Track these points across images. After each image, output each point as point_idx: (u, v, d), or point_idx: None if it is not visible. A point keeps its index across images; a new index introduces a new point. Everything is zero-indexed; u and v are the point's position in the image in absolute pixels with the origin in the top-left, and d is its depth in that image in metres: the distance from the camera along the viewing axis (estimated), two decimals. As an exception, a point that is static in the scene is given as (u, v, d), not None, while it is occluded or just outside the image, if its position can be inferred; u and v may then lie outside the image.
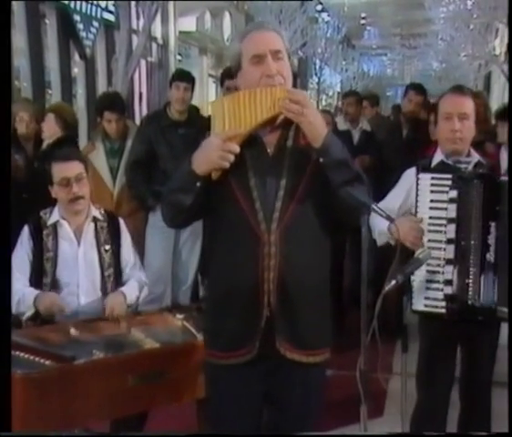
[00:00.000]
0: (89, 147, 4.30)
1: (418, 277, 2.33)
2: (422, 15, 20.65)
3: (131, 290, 2.70)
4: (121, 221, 2.82)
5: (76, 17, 10.56)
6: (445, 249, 2.33)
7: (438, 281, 2.33)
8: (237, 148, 1.74)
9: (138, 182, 4.03)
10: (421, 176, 2.39)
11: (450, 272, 2.31)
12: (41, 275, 2.61)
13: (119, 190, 4.10)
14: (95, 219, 2.71)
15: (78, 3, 10.52)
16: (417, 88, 4.76)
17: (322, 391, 1.98)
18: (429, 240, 2.33)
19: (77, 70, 11.39)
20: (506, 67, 12.79)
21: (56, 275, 2.61)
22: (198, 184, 1.77)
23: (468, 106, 2.38)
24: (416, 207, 2.38)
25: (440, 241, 2.33)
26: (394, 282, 1.91)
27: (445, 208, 2.34)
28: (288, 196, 1.79)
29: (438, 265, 2.33)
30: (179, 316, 2.58)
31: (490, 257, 2.30)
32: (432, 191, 2.36)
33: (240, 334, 1.82)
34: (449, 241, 2.32)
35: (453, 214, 2.32)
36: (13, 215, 1.78)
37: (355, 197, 1.77)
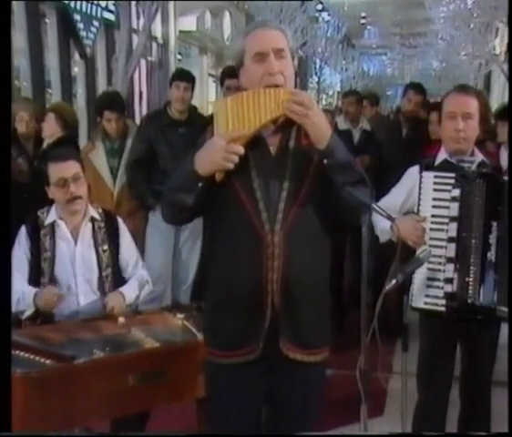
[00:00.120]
0: (89, 146, 4.30)
1: (419, 274, 2.33)
2: (422, 15, 20.66)
3: (130, 290, 2.69)
4: (120, 221, 2.81)
5: (77, 17, 10.57)
6: (446, 248, 2.33)
7: (439, 279, 2.33)
8: (241, 150, 1.74)
9: (138, 181, 4.03)
10: (424, 174, 2.39)
11: (451, 270, 2.32)
12: (39, 275, 2.60)
13: (119, 190, 4.10)
14: (92, 219, 2.70)
15: (78, 2, 10.54)
16: (416, 88, 4.76)
17: (323, 390, 1.98)
18: (431, 238, 2.34)
19: (77, 69, 11.40)
20: (506, 67, 12.79)
21: (53, 275, 2.60)
22: (200, 184, 1.76)
23: (472, 105, 2.38)
24: (419, 204, 2.39)
25: (442, 239, 2.34)
26: (394, 282, 1.91)
27: (448, 207, 2.34)
28: (291, 197, 1.79)
29: (439, 263, 2.33)
30: (180, 315, 2.58)
31: (491, 256, 2.30)
32: (435, 189, 2.36)
33: (243, 334, 1.82)
34: (451, 240, 2.33)
35: (455, 213, 2.33)
36: (13, 215, 1.78)
37: (357, 197, 1.77)
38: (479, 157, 2.44)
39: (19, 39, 9.16)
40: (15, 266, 2.51)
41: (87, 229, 2.68)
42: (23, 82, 9.45)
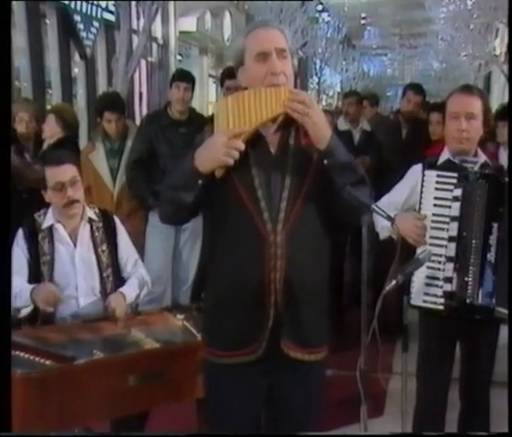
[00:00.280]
0: (89, 147, 4.30)
1: (419, 272, 2.32)
2: (422, 15, 20.67)
3: (131, 289, 2.69)
4: (117, 220, 2.80)
5: (77, 17, 10.58)
6: (446, 247, 2.33)
7: (438, 278, 2.34)
8: (242, 146, 1.74)
9: (138, 181, 4.02)
10: (427, 172, 2.39)
11: (450, 270, 2.32)
12: (38, 278, 2.58)
13: (119, 190, 4.10)
14: (90, 220, 2.69)
15: (79, 3, 10.55)
16: (416, 88, 4.76)
17: (322, 389, 1.98)
18: (431, 237, 2.34)
19: (78, 70, 11.41)
20: (506, 67, 12.81)
21: (53, 278, 2.59)
22: (200, 182, 1.76)
23: (476, 106, 2.38)
24: (420, 203, 2.39)
25: (442, 239, 2.34)
26: (394, 282, 1.91)
27: (449, 206, 2.34)
28: (292, 196, 1.79)
29: (439, 262, 2.33)
30: (180, 316, 2.58)
31: (491, 257, 2.30)
32: (437, 188, 2.37)
33: (246, 334, 1.82)
34: (451, 239, 2.33)
35: (456, 212, 2.33)
36: (14, 215, 1.78)
37: (357, 198, 1.78)
38: (482, 157, 2.44)
39: (19, 39, 9.16)
40: (14, 269, 2.49)
41: (85, 231, 2.67)
42: (23, 82, 9.46)
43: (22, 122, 4.05)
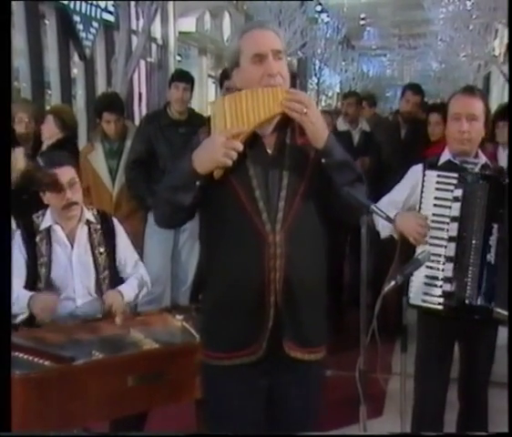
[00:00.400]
0: (88, 147, 4.30)
1: (418, 272, 2.33)
2: (421, 16, 20.67)
3: (129, 289, 2.69)
4: (116, 221, 2.80)
5: (76, 18, 10.58)
6: (446, 247, 2.34)
7: (437, 278, 2.34)
8: (240, 146, 1.74)
9: (137, 182, 4.02)
10: (427, 172, 2.40)
11: (450, 270, 2.32)
12: (35, 280, 2.58)
13: (118, 191, 4.10)
14: (88, 222, 2.68)
15: (78, 3, 10.54)
16: (415, 88, 4.77)
17: (321, 389, 1.99)
18: (431, 237, 2.35)
19: (77, 71, 11.41)
20: (505, 68, 12.81)
21: (50, 280, 2.59)
22: (198, 183, 1.76)
23: (478, 107, 2.38)
24: (421, 202, 2.39)
25: (442, 239, 2.35)
26: (393, 283, 1.92)
27: (449, 207, 2.35)
28: (290, 195, 1.79)
29: (438, 262, 2.33)
30: (179, 316, 2.58)
31: (490, 258, 2.30)
32: (437, 188, 2.37)
33: (246, 335, 1.82)
34: (451, 239, 2.33)
35: (456, 213, 2.33)
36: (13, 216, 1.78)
37: (357, 198, 1.78)
38: (483, 159, 2.45)
39: (18, 40, 9.16)
40: (13, 271, 2.49)
41: (83, 233, 2.67)
42: (22, 83, 9.45)
43: (21, 123, 4.05)
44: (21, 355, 2.16)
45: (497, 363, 2.66)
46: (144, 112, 13.12)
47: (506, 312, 2.26)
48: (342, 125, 4.99)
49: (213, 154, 1.73)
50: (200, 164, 1.75)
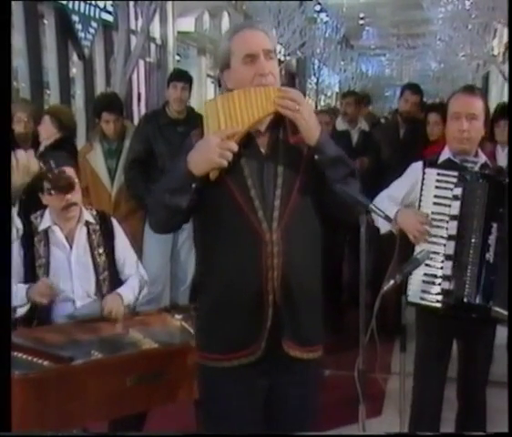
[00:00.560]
0: (87, 147, 4.30)
1: (417, 269, 2.33)
2: (420, 16, 20.66)
3: (128, 291, 2.68)
4: (115, 222, 2.79)
5: (75, 18, 10.56)
6: (445, 245, 2.34)
7: (436, 276, 2.34)
8: (236, 147, 1.74)
9: (136, 181, 4.02)
10: (427, 170, 2.40)
11: (449, 268, 2.33)
12: (34, 281, 2.57)
13: (117, 191, 4.10)
14: (87, 223, 2.68)
15: (77, 3, 10.53)
16: (413, 88, 4.77)
17: (319, 387, 1.98)
18: (430, 235, 2.35)
19: (76, 70, 11.39)
20: (504, 68, 12.82)
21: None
22: (193, 185, 1.76)
23: (477, 106, 2.39)
24: (420, 200, 2.40)
25: (441, 237, 2.35)
26: (392, 282, 1.92)
27: (449, 205, 2.35)
28: (286, 193, 1.79)
29: (437, 260, 2.33)
30: (178, 316, 2.58)
31: (489, 257, 2.30)
32: (437, 187, 2.37)
33: (245, 335, 1.81)
34: (450, 238, 2.34)
35: (456, 211, 2.34)
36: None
37: (355, 196, 1.78)
38: (482, 158, 2.45)
39: (17, 40, 9.15)
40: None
41: (82, 234, 2.66)
42: (21, 83, 9.44)
43: (20, 122, 4.05)
44: (20, 355, 2.16)
45: (497, 363, 2.66)
46: (143, 112, 13.10)
47: (504, 311, 2.26)
48: (341, 124, 5.00)
49: (209, 155, 1.73)
50: (196, 166, 1.75)
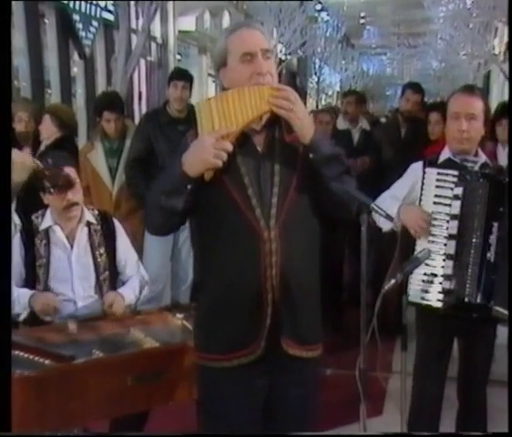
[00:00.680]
0: (88, 146, 4.30)
1: (417, 269, 2.33)
2: (421, 15, 20.66)
3: (129, 291, 2.68)
4: (116, 222, 2.79)
5: (76, 17, 10.57)
6: (445, 245, 2.34)
7: (437, 275, 2.34)
8: (230, 146, 1.73)
9: (137, 180, 4.02)
10: (428, 170, 2.40)
11: (449, 267, 2.32)
12: (34, 281, 2.57)
13: (118, 190, 4.10)
14: (88, 223, 2.67)
15: (78, 2, 10.53)
16: (415, 87, 4.77)
17: (319, 386, 1.98)
18: (431, 234, 2.35)
19: (77, 70, 11.40)
20: (505, 67, 12.80)
21: (48, 282, 2.58)
22: (189, 186, 1.75)
23: (477, 106, 2.38)
24: (420, 200, 2.40)
25: (441, 236, 2.35)
26: (393, 281, 1.92)
27: (449, 205, 2.35)
28: (283, 191, 1.79)
29: (438, 259, 2.33)
30: (179, 315, 2.58)
31: (490, 256, 2.30)
32: (437, 186, 2.37)
33: (245, 334, 1.81)
34: (451, 237, 2.33)
35: (456, 211, 2.33)
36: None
37: (356, 196, 1.79)
38: (483, 157, 2.45)
39: (18, 39, 9.16)
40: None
41: (83, 234, 2.66)
42: (22, 82, 9.45)
43: (21, 122, 4.05)
44: (21, 354, 2.16)
45: (498, 362, 2.66)
46: (144, 111, 13.11)
47: (505, 311, 2.26)
48: (342, 123, 4.99)
49: (203, 156, 1.72)
50: (191, 166, 1.74)
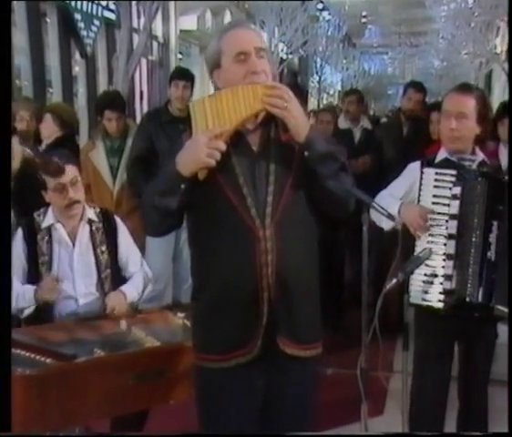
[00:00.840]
0: (89, 145, 4.30)
1: (417, 270, 2.32)
2: (423, 14, 20.65)
3: (132, 289, 2.68)
4: (118, 220, 2.79)
5: (77, 16, 10.58)
6: (445, 245, 2.33)
7: (437, 276, 2.33)
8: (223, 146, 1.73)
9: (138, 179, 4.01)
10: (425, 170, 2.39)
11: (450, 268, 2.32)
12: (37, 279, 2.57)
13: (119, 189, 4.10)
14: (90, 221, 2.67)
15: (79, 1, 10.54)
16: (417, 86, 4.76)
17: (318, 386, 1.97)
18: (430, 234, 2.34)
19: (78, 69, 11.41)
20: (507, 66, 12.78)
21: None
22: (183, 186, 1.75)
23: (468, 105, 2.37)
24: (419, 200, 2.39)
25: (440, 236, 2.34)
26: (394, 281, 1.92)
27: (448, 204, 2.34)
28: (278, 190, 1.79)
29: (438, 260, 2.33)
30: (180, 314, 2.58)
31: (490, 255, 2.30)
32: (435, 186, 2.37)
33: (241, 334, 1.81)
34: (450, 237, 2.33)
35: (455, 210, 2.33)
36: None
37: (357, 195, 1.79)
38: (480, 156, 2.44)
39: (20, 38, 9.16)
40: (14, 270, 2.48)
41: (84, 232, 2.66)
42: (24, 81, 9.46)
43: (22, 121, 4.05)
44: (22, 353, 2.16)
45: (500, 361, 2.66)
46: (145, 110, 13.12)
47: (506, 309, 2.26)
48: (343, 123, 4.99)
49: (196, 155, 1.72)
50: (184, 166, 1.74)
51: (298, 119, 1.76)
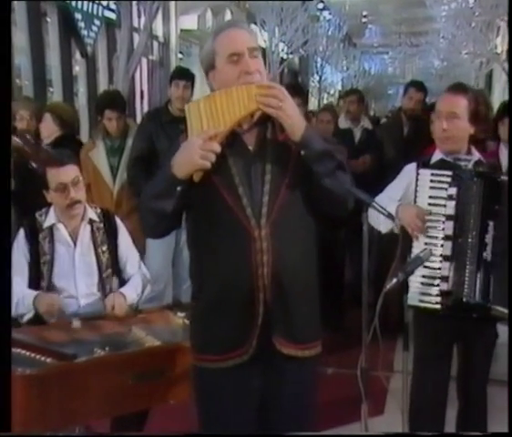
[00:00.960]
0: (90, 144, 4.30)
1: (415, 272, 2.32)
2: (423, 13, 20.64)
3: (131, 290, 2.68)
4: (118, 220, 2.79)
5: (78, 15, 10.59)
6: (442, 246, 2.33)
7: (434, 277, 2.33)
8: (218, 147, 1.73)
9: (138, 179, 4.01)
10: (421, 171, 2.39)
11: (446, 268, 2.32)
12: (39, 278, 2.58)
13: (119, 189, 4.10)
14: (91, 221, 2.68)
15: (80, 1, 10.54)
16: (418, 86, 4.76)
17: (316, 386, 1.97)
18: (427, 236, 2.34)
19: (79, 68, 11.42)
20: (507, 65, 12.78)
21: (52, 278, 2.59)
22: (178, 188, 1.76)
23: (459, 105, 2.35)
24: (415, 202, 2.38)
25: (437, 237, 2.34)
26: (395, 280, 1.92)
27: (444, 205, 2.34)
28: (274, 190, 1.78)
29: (435, 261, 2.32)
30: (181, 314, 2.58)
31: (487, 255, 2.29)
32: (431, 187, 2.36)
33: (237, 334, 1.81)
34: (447, 238, 2.33)
35: (451, 211, 2.32)
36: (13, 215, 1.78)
37: (357, 194, 1.79)
38: (476, 155, 2.43)
39: (20, 38, 9.17)
40: (14, 270, 2.48)
41: (85, 232, 2.66)
42: (24, 81, 9.47)
43: (23, 120, 4.05)
44: (22, 352, 2.16)
45: (499, 361, 2.66)
46: (146, 110, 13.12)
47: (504, 309, 2.25)
48: (343, 122, 4.99)
49: (191, 157, 1.72)
50: (179, 168, 1.74)
51: (293, 118, 1.75)
